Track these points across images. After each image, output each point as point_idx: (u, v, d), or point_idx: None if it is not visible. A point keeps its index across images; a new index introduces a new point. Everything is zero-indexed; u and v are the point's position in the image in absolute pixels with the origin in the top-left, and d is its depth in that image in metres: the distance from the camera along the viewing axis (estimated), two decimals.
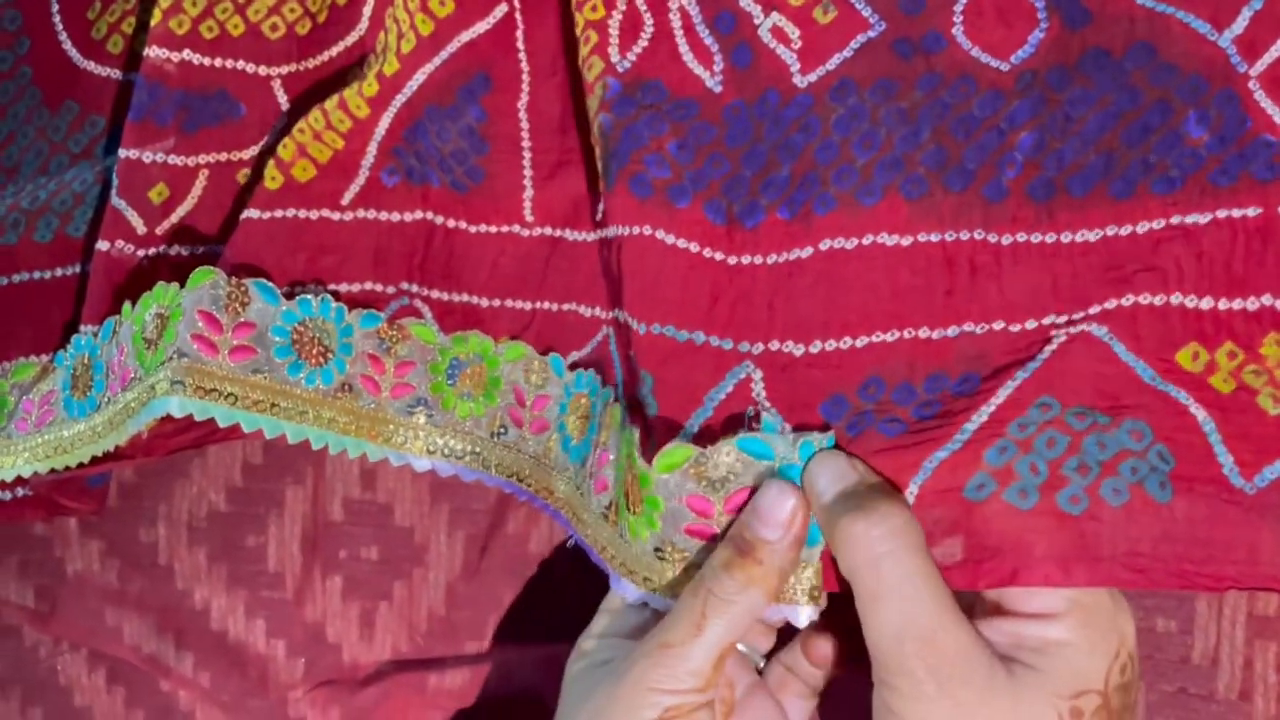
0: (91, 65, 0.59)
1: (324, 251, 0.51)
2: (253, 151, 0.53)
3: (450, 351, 0.50)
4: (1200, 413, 0.40)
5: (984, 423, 0.41)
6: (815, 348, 0.44)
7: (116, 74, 0.59)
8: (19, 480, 0.52)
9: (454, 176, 0.51)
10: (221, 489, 0.58)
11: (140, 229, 0.52)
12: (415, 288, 0.51)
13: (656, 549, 0.43)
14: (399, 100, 0.51)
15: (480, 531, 0.55)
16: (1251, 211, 0.40)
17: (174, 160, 0.52)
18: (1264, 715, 0.42)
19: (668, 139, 0.46)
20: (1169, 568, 0.39)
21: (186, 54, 0.53)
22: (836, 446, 0.42)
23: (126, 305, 0.48)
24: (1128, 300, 0.41)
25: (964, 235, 0.43)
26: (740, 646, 0.45)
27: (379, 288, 0.51)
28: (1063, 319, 0.42)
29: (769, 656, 0.46)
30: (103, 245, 0.51)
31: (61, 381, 0.51)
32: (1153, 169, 0.41)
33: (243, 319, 0.46)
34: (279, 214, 0.51)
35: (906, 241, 0.44)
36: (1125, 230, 0.41)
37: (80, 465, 0.49)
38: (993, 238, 0.43)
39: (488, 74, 0.51)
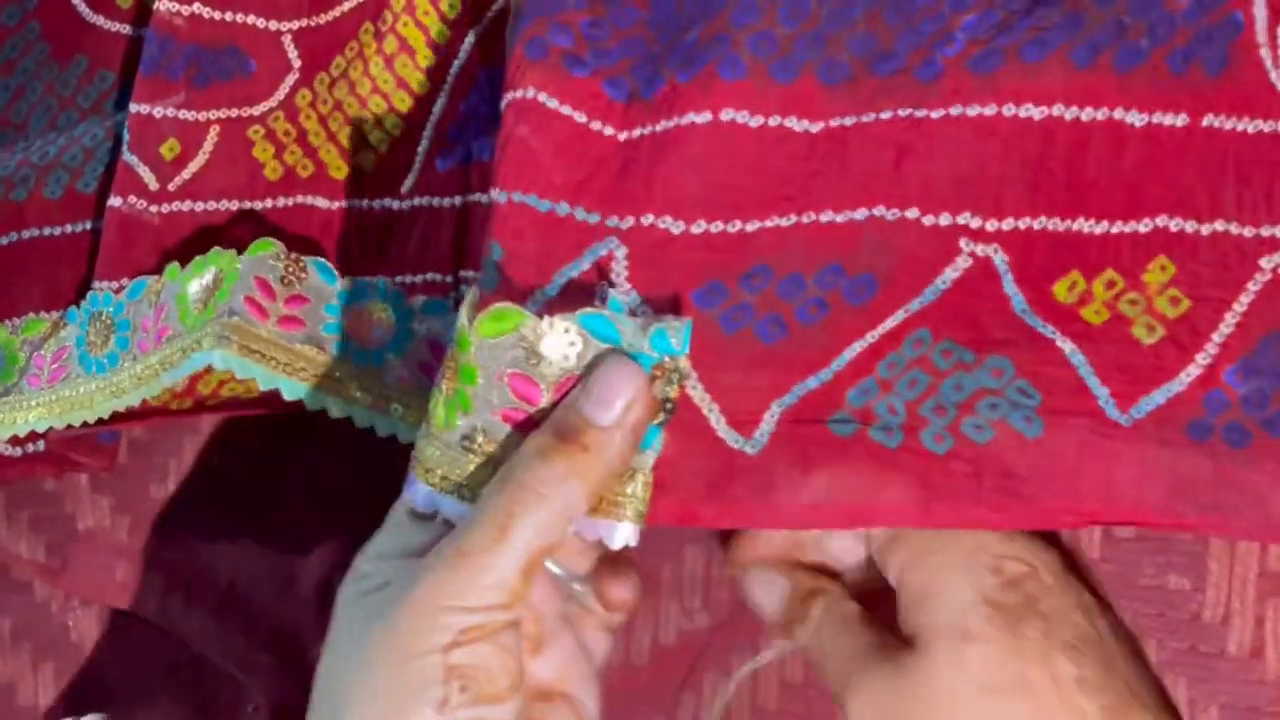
0: (101, 20, 0.59)
1: (385, 241, 0.51)
2: (264, 107, 0.53)
3: None
4: (1067, 345, 0.38)
5: (857, 355, 0.39)
6: (698, 228, 0.40)
7: (126, 29, 0.59)
8: (30, 436, 0.53)
9: None
10: (232, 448, 0.58)
11: (153, 185, 0.51)
12: (473, 274, 0.51)
13: (464, 437, 0.37)
14: (455, 67, 0.50)
15: None
16: (1180, 120, 0.39)
17: (185, 115, 0.52)
18: (1275, 673, 0.42)
19: (582, 15, 0.42)
20: (1037, 505, 0.37)
21: (196, 8, 0.52)
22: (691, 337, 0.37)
23: (173, 267, 0.48)
24: (1038, 223, 0.39)
25: (886, 115, 0.40)
26: (552, 566, 0.38)
27: (438, 277, 0.51)
28: (976, 223, 0.39)
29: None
30: (115, 201, 0.51)
31: (76, 337, 0.51)
32: (1125, 32, 0.39)
33: (296, 291, 0.46)
34: (343, 204, 0.51)
35: (817, 128, 0.40)
36: (1070, 114, 0.39)
37: (100, 421, 0.49)
38: (921, 113, 0.40)
39: None
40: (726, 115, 0.40)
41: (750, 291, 0.40)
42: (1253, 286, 0.38)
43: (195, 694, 0.59)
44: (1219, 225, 0.39)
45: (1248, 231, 0.39)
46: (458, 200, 0.51)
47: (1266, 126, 0.39)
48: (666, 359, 0.37)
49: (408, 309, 0.48)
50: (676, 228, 0.40)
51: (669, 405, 0.37)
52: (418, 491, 0.38)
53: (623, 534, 0.37)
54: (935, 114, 0.39)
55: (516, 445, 0.36)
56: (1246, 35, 0.39)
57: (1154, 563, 0.43)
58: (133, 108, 0.52)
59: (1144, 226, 0.39)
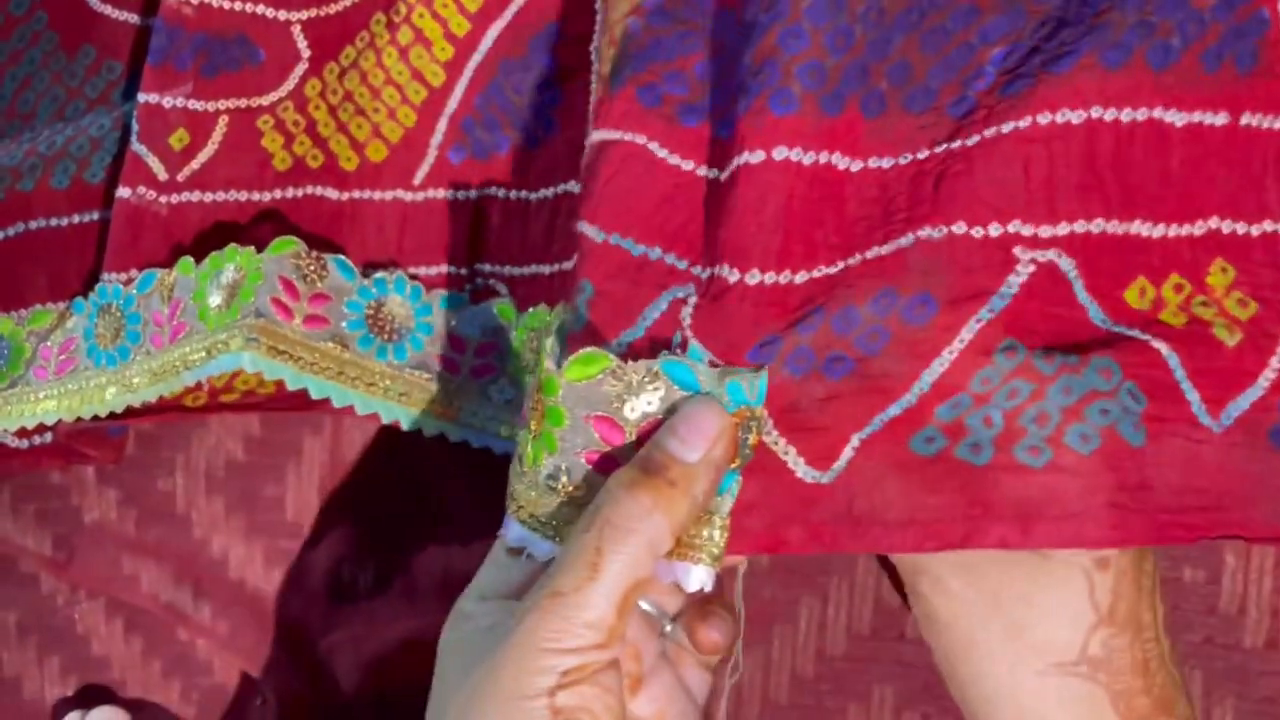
0: (108, 9, 0.58)
1: (399, 233, 0.51)
2: (273, 97, 0.53)
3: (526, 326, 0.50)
4: (1163, 346, 0.38)
5: (940, 375, 0.38)
6: (753, 278, 0.39)
7: (134, 18, 0.58)
8: (38, 428, 0.52)
9: (529, 132, 0.50)
10: (239, 439, 0.58)
11: (162, 175, 0.51)
12: (488, 267, 0.51)
13: (549, 476, 0.38)
14: (474, 60, 0.50)
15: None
16: (1221, 120, 0.38)
17: (194, 105, 0.52)
18: None
19: (697, 58, 0.42)
20: (1147, 519, 0.36)
21: None
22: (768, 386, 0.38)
23: (186, 261, 0.48)
24: (1095, 226, 0.38)
25: (923, 154, 0.39)
26: (645, 605, 0.40)
27: (451, 269, 0.51)
28: (1028, 231, 0.38)
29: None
30: (124, 192, 0.51)
31: (84, 329, 0.51)
32: (1154, 31, 0.38)
33: (319, 289, 0.46)
34: (356, 195, 0.51)
35: (856, 167, 0.40)
36: (1110, 115, 0.38)
37: (111, 415, 0.49)
38: (956, 144, 0.39)
39: (558, 23, 0.50)
40: (779, 154, 0.39)
41: (805, 333, 0.39)
42: None
43: (203, 686, 0.59)
44: (1268, 225, 0.38)
45: None
46: (473, 193, 0.51)
47: None
48: (744, 408, 0.37)
49: (426, 304, 0.48)
50: (733, 276, 0.39)
51: (746, 452, 0.38)
52: (511, 529, 0.39)
53: (698, 576, 0.37)
54: (971, 141, 0.39)
55: (598, 485, 0.37)
56: (1274, 31, 0.38)
57: (1170, 555, 0.43)
58: (141, 98, 0.51)
59: (1198, 229, 0.38)
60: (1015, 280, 0.38)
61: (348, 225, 0.52)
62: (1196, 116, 0.38)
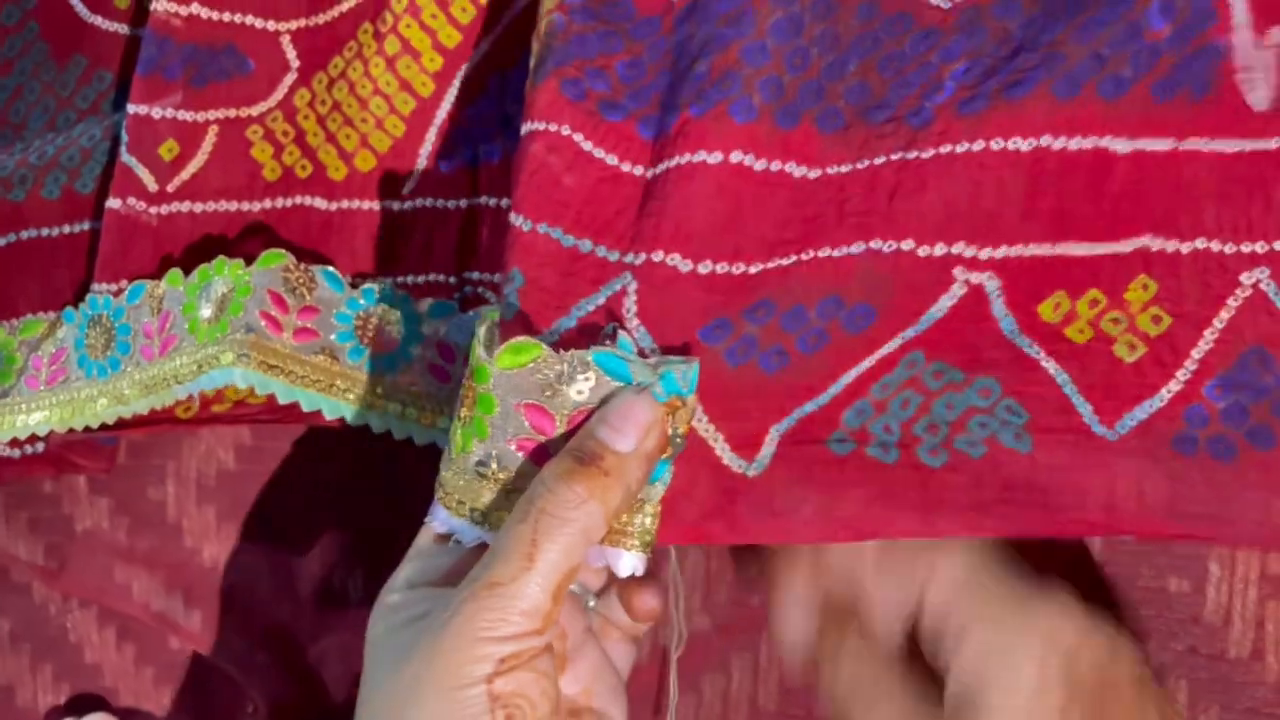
0: (99, 20, 0.59)
1: (388, 242, 0.51)
2: (262, 108, 0.53)
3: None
4: (1051, 365, 0.40)
5: (853, 379, 0.40)
6: (704, 267, 0.41)
7: (124, 28, 0.58)
8: (30, 438, 0.52)
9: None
10: (230, 447, 0.58)
11: (151, 186, 0.51)
12: (478, 275, 0.51)
13: (479, 463, 0.38)
14: (464, 71, 0.50)
15: None
16: (1164, 145, 0.40)
17: (183, 116, 0.52)
18: (1275, 674, 0.42)
19: (619, 58, 0.43)
20: (1043, 514, 0.39)
21: (194, 8, 0.52)
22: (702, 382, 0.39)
23: (175, 273, 0.48)
24: (1029, 250, 0.40)
25: (880, 160, 0.41)
26: (572, 585, 0.39)
27: (441, 278, 0.51)
28: (969, 253, 0.40)
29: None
30: (114, 203, 0.51)
31: (74, 340, 0.51)
32: (1105, 64, 0.40)
33: (308, 302, 0.47)
34: (344, 205, 0.51)
35: (814, 174, 0.41)
36: (1058, 144, 0.40)
37: (103, 426, 0.49)
38: (912, 154, 0.41)
39: None
40: (736, 157, 0.41)
41: (754, 324, 0.41)
42: (1233, 302, 0.40)
43: (194, 694, 0.59)
44: (1199, 243, 0.40)
45: (1229, 248, 0.40)
46: (463, 202, 0.51)
47: (1247, 146, 0.40)
48: (674, 398, 0.38)
49: (415, 312, 0.48)
50: (685, 266, 0.41)
51: (677, 441, 0.38)
52: (438, 515, 0.39)
53: (629, 562, 0.38)
54: (926, 154, 0.40)
55: (528, 473, 0.37)
56: (1228, 61, 0.40)
57: (1154, 565, 0.43)
58: (130, 108, 0.51)
59: (1126, 246, 0.40)
60: (946, 303, 0.40)
61: (337, 235, 0.52)
62: (1141, 143, 0.40)
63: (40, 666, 0.60)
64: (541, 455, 0.38)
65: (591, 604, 0.41)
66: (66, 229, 0.55)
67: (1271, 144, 0.40)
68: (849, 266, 0.40)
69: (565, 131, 0.42)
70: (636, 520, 0.38)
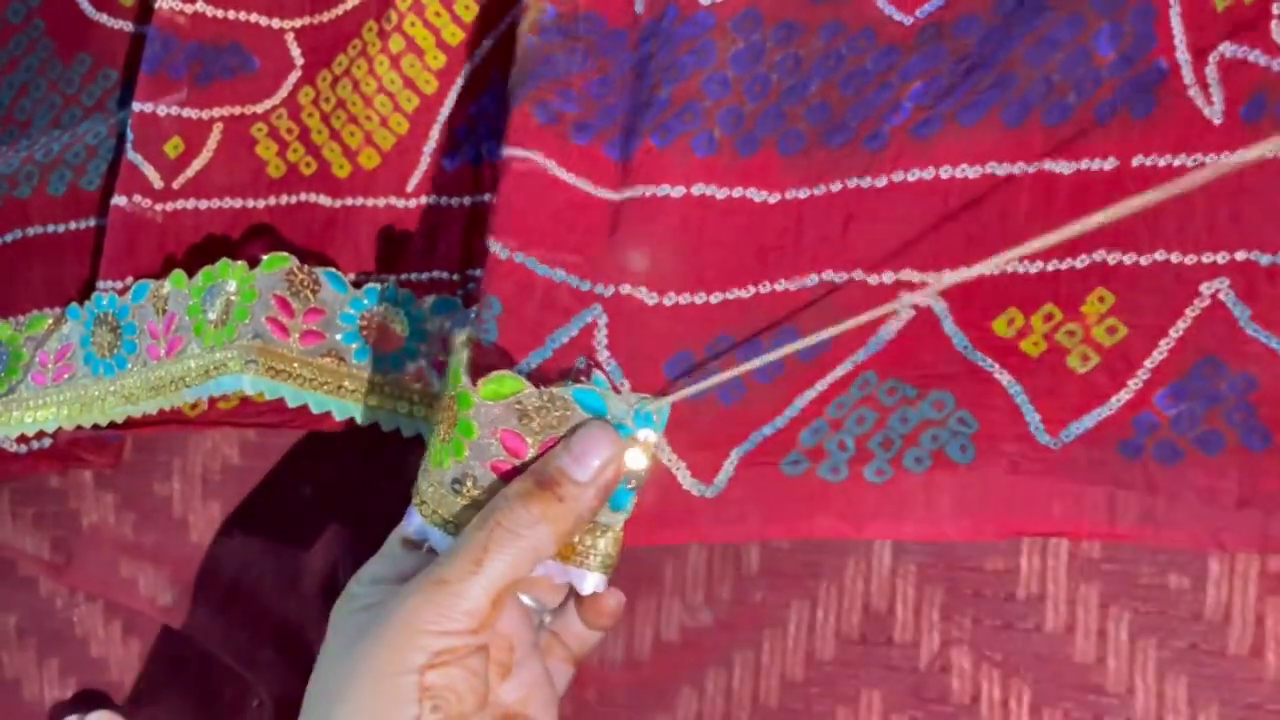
0: (104, 18, 0.59)
1: (392, 239, 0.52)
2: (267, 105, 0.53)
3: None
4: (1004, 377, 0.41)
5: (808, 403, 0.42)
6: (669, 300, 0.43)
7: (129, 26, 0.58)
8: (38, 433, 0.53)
9: None
10: (235, 443, 0.58)
11: (157, 183, 0.51)
12: (479, 272, 0.51)
13: (455, 480, 0.40)
14: (468, 68, 0.51)
15: None
16: (1109, 164, 0.41)
17: (188, 113, 0.52)
18: (1275, 671, 0.42)
19: (589, 76, 0.45)
20: (965, 521, 0.41)
21: (199, 6, 0.52)
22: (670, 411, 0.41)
23: (179, 274, 0.49)
24: (975, 272, 0.41)
25: (836, 186, 0.43)
26: (527, 600, 0.43)
27: (444, 275, 0.51)
28: (916, 278, 0.42)
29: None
30: (119, 200, 0.51)
31: (80, 337, 0.51)
32: (1052, 90, 0.41)
33: (312, 305, 0.47)
34: (348, 202, 0.51)
35: (774, 199, 0.43)
36: (1004, 170, 0.41)
37: (112, 425, 0.49)
38: (866, 182, 0.42)
39: None
40: (698, 190, 0.43)
41: (713, 358, 0.43)
42: (1190, 312, 0.40)
43: (200, 689, 0.59)
44: (1159, 255, 0.41)
45: (1189, 259, 0.40)
46: (466, 200, 0.51)
47: (1208, 159, 0.41)
48: (641, 432, 0.40)
49: (419, 310, 0.48)
50: (651, 299, 0.43)
51: (641, 474, 0.40)
52: (413, 521, 0.41)
53: (591, 582, 0.40)
54: (879, 182, 0.42)
55: (498, 490, 0.40)
56: (1173, 80, 0.41)
57: (1155, 562, 0.43)
58: (136, 106, 0.52)
59: (1080, 262, 0.41)
60: (894, 326, 0.42)
61: (341, 232, 0.52)
62: (1084, 164, 0.41)
63: (47, 660, 0.60)
64: (512, 475, 0.40)
65: (547, 620, 0.44)
66: (72, 226, 0.56)
67: (1233, 156, 0.40)
68: (803, 297, 0.42)
69: (539, 158, 0.44)
70: (600, 544, 0.40)
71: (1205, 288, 0.40)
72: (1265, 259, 0.40)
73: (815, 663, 0.48)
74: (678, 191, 0.43)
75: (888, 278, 0.41)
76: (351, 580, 0.41)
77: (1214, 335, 0.40)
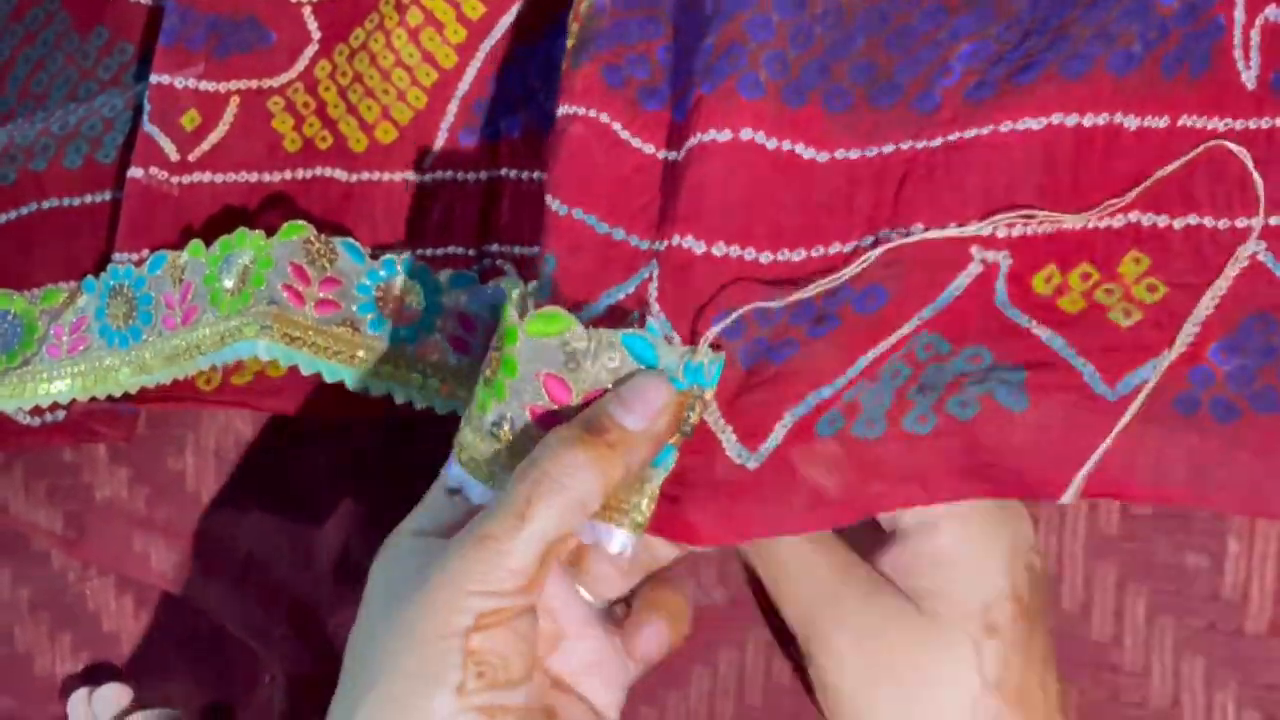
0: None
1: (408, 214, 0.51)
2: (284, 79, 0.53)
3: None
4: (1044, 332, 0.40)
5: (869, 362, 0.40)
6: (718, 250, 0.41)
7: None
8: (51, 406, 0.53)
9: (542, 114, 0.51)
10: (249, 419, 0.58)
11: (173, 155, 0.51)
12: (497, 247, 0.51)
13: (494, 424, 0.39)
14: (487, 44, 0.51)
15: None
16: (1163, 122, 0.40)
17: (205, 86, 0.52)
18: None
19: (659, 43, 0.43)
20: (1030, 477, 0.38)
21: None
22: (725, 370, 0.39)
23: (196, 244, 0.49)
24: (1042, 226, 0.40)
25: (889, 149, 0.41)
26: (584, 594, 0.41)
27: (460, 250, 0.51)
28: (986, 230, 0.40)
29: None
30: (136, 172, 0.51)
31: (95, 309, 0.51)
32: (1115, 40, 0.40)
33: (329, 274, 0.47)
34: (365, 176, 0.51)
35: (823, 158, 0.41)
36: (1071, 120, 0.39)
37: (125, 396, 0.50)
38: (921, 144, 0.41)
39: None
40: (746, 134, 0.41)
41: (765, 326, 0.40)
42: (1230, 272, 0.39)
43: (212, 664, 0.59)
44: (1192, 219, 0.40)
45: (1222, 224, 0.40)
46: (483, 175, 0.51)
47: (1238, 125, 0.40)
48: (694, 386, 0.38)
49: (435, 283, 0.48)
50: (699, 248, 0.41)
51: (687, 429, 0.39)
52: (452, 469, 0.40)
53: (620, 540, 0.38)
54: (935, 143, 0.40)
55: (536, 439, 0.38)
56: (1227, 38, 0.40)
57: (1173, 541, 0.43)
58: (153, 79, 0.52)
59: (1117, 223, 0.40)
60: (963, 281, 0.40)
61: (357, 207, 0.52)
62: (1148, 120, 0.40)
63: (59, 635, 0.61)
64: (552, 423, 0.38)
65: (617, 611, 0.42)
66: (88, 199, 0.56)
67: (1263, 123, 0.40)
68: (858, 255, 0.40)
69: (604, 119, 0.42)
70: (633, 500, 0.38)
71: (1242, 250, 0.39)
72: None
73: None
74: (725, 135, 0.40)
75: (951, 229, 0.40)
76: (394, 532, 0.39)
77: (1258, 294, 0.39)
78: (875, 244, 0.40)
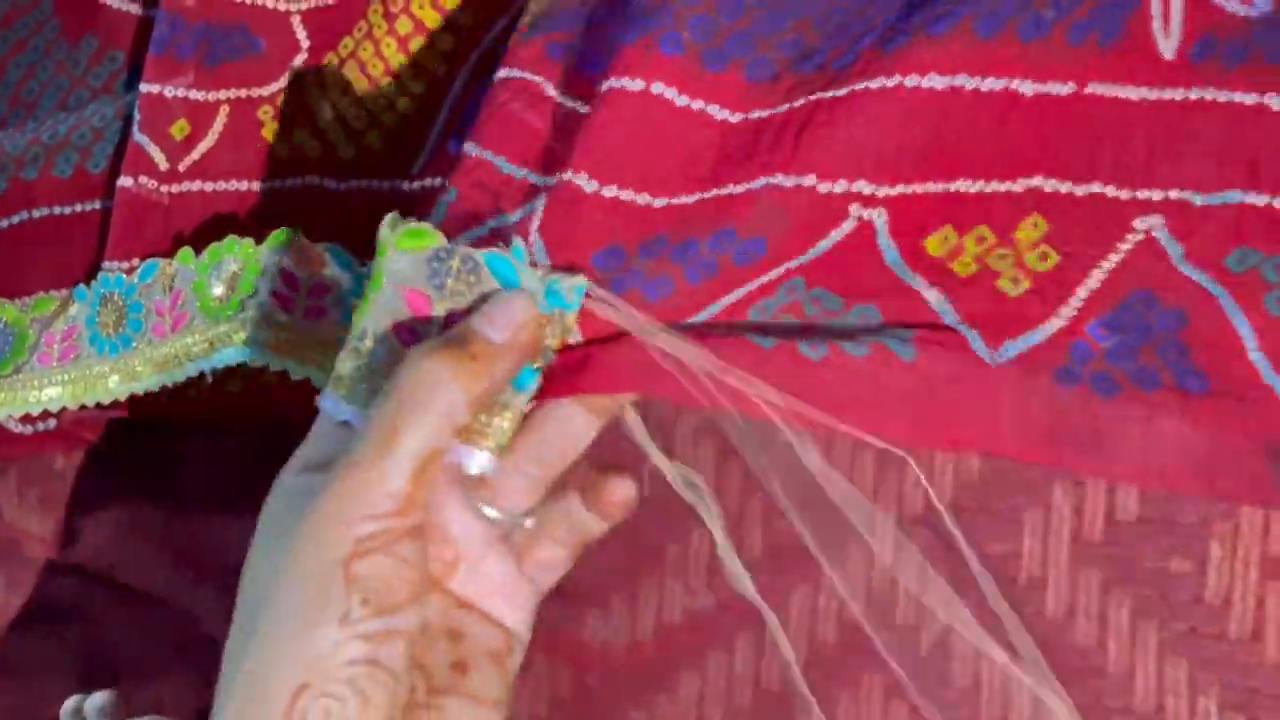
0: (111, 0, 0.59)
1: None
2: (273, 88, 0.53)
3: None
4: (933, 295, 0.40)
5: (730, 303, 0.41)
6: (609, 191, 0.41)
7: (136, 9, 0.59)
8: (42, 414, 0.53)
9: None
10: (240, 423, 0.58)
11: (163, 165, 0.52)
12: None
13: (357, 337, 0.39)
14: (477, 52, 0.51)
15: None
16: (1067, 89, 0.40)
17: (195, 95, 0.52)
18: (1275, 655, 0.42)
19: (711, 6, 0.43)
20: (909, 425, 0.40)
21: None
22: (587, 297, 0.40)
23: (186, 251, 0.49)
24: (924, 188, 0.41)
25: (799, 102, 0.41)
26: (492, 512, 0.40)
27: None
28: (868, 190, 0.40)
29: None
30: (126, 181, 0.52)
31: (86, 317, 0.51)
32: (1030, 3, 0.40)
33: (317, 280, 0.47)
34: (353, 184, 0.51)
35: (736, 119, 0.41)
36: (971, 84, 0.40)
37: (114, 404, 0.50)
38: (828, 94, 0.40)
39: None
40: (657, 88, 0.41)
41: (645, 257, 0.41)
42: (1124, 246, 0.40)
43: (206, 670, 0.59)
44: (1095, 187, 0.40)
45: (1124, 194, 0.40)
46: None
47: (1151, 94, 0.40)
48: (556, 310, 0.39)
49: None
50: (589, 186, 0.41)
51: (548, 354, 0.39)
52: (324, 395, 0.39)
53: (479, 461, 0.38)
54: (841, 91, 0.40)
55: (397, 353, 0.38)
56: (1144, 7, 0.40)
57: (1156, 547, 0.43)
58: (143, 88, 0.52)
59: (1019, 186, 0.41)
60: (835, 236, 0.41)
61: (346, 215, 0.52)
62: (1047, 86, 0.40)
63: (51, 642, 0.61)
64: (410, 339, 0.38)
65: (528, 524, 0.41)
66: (78, 208, 0.56)
67: (1177, 94, 0.40)
68: (749, 200, 0.40)
69: (538, 80, 0.43)
70: (495, 422, 0.38)
71: (1139, 223, 0.40)
72: (1199, 199, 0.39)
73: (817, 646, 0.48)
74: (636, 85, 0.41)
75: (839, 187, 0.40)
76: (283, 470, 0.38)
77: (1148, 270, 0.39)
78: (765, 188, 0.40)
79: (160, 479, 0.59)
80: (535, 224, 0.41)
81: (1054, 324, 0.40)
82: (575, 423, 0.42)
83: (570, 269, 0.40)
